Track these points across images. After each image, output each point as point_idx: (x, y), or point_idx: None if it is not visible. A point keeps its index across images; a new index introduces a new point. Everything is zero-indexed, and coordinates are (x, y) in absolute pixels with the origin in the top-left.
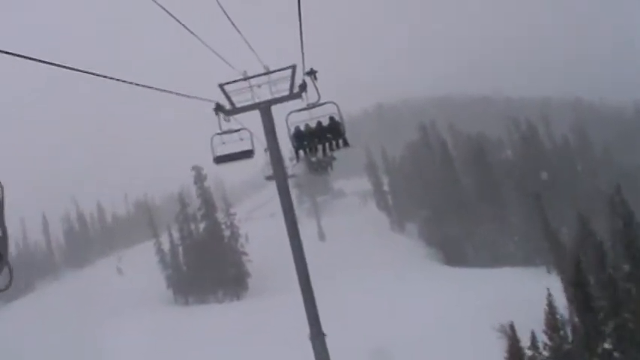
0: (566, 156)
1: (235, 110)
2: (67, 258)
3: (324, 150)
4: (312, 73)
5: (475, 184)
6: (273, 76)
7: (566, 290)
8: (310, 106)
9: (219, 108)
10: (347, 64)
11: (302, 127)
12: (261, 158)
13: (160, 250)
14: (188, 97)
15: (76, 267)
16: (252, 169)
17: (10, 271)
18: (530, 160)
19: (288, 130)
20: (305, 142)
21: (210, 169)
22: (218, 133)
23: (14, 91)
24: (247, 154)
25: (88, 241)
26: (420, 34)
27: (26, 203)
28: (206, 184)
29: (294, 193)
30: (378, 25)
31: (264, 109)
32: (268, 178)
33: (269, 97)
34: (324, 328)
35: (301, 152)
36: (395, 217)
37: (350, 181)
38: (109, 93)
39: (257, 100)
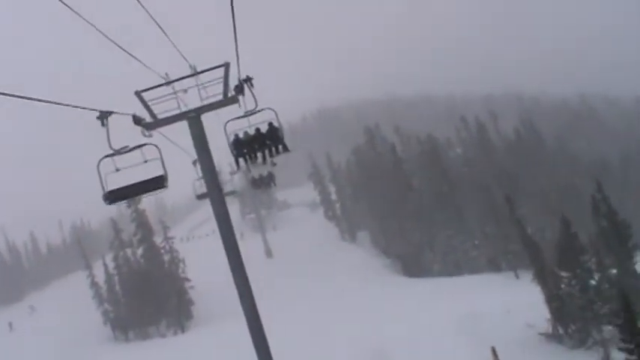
0: (519, 151)
1: (157, 122)
2: None
3: (263, 157)
4: (248, 80)
5: (429, 188)
6: (203, 78)
7: (548, 302)
8: (248, 114)
9: (137, 121)
10: (282, 68)
11: (241, 135)
12: (190, 174)
13: (93, 284)
14: (96, 110)
15: (7, 303)
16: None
17: None
18: (484, 159)
19: (227, 138)
20: (245, 150)
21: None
22: (108, 155)
23: None
24: (157, 182)
25: (21, 274)
26: (354, 35)
27: None
28: (141, 206)
29: (236, 207)
30: (314, 27)
31: (193, 119)
32: (200, 197)
33: (198, 103)
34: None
35: (241, 161)
36: (345, 227)
37: (294, 191)
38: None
39: (184, 109)
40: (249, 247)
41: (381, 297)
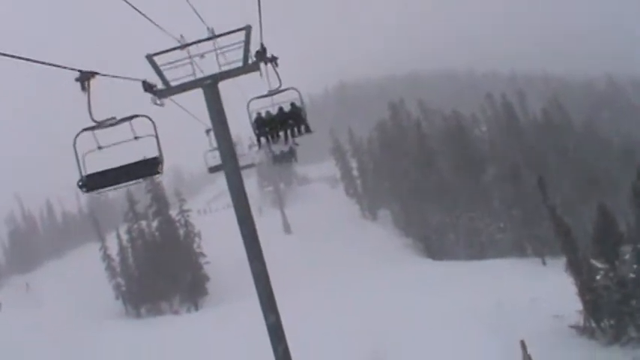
0: (548, 132)
1: (170, 90)
2: (12, 263)
3: (285, 136)
4: (272, 59)
5: (454, 166)
6: (221, 42)
7: (580, 294)
8: (271, 93)
9: (147, 88)
10: (306, 41)
11: (263, 114)
12: (202, 144)
13: (106, 256)
14: (75, 70)
15: (24, 272)
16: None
17: None
18: (510, 138)
19: (250, 117)
20: (267, 129)
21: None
22: (87, 129)
23: None
24: (149, 166)
25: (36, 243)
26: (380, 10)
27: None
28: (157, 177)
29: (254, 180)
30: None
31: (210, 86)
32: (213, 169)
33: (215, 70)
34: (295, 338)
35: (263, 139)
36: (366, 204)
37: (314, 166)
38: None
39: (200, 75)
40: (267, 222)
41: (400, 279)
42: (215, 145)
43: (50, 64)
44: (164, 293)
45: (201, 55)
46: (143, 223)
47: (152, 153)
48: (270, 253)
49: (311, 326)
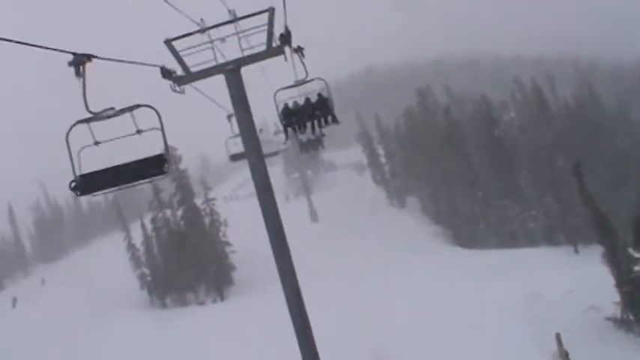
0: (580, 117)
1: (191, 76)
2: (38, 251)
3: (312, 127)
4: (299, 50)
5: (484, 152)
6: (243, 25)
7: (618, 285)
8: (298, 83)
9: (166, 74)
10: (331, 25)
11: (290, 105)
12: (226, 131)
13: (130, 246)
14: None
15: (48, 261)
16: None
17: None
18: (541, 124)
19: (277, 108)
20: (294, 120)
21: (190, 148)
22: (82, 121)
23: None
24: (154, 165)
25: (62, 232)
26: None
27: None
28: (182, 166)
29: (281, 168)
30: None
31: (232, 72)
32: (235, 157)
33: (237, 54)
34: (320, 330)
35: (290, 130)
36: (393, 191)
37: (341, 153)
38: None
39: (221, 61)
40: (294, 210)
41: (429, 269)
42: (237, 131)
43: (42, 47)
44: (189, 283)
45: (223, 39)
46: (168, 212)
47: (158, 149)
48: (296, 242)
49: (334, 318)
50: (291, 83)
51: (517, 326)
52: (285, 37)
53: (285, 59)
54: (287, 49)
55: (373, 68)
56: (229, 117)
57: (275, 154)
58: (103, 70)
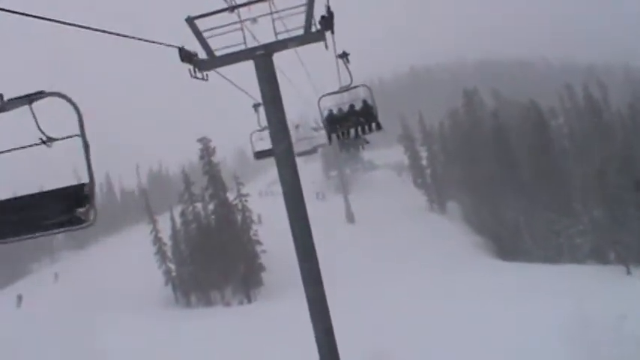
0: (634, 127)
1: (215, 61)
2: (68, 237)
3: (356, 133)
4: (344, 55)
5: (532, 159)
6: (278, 5)
7: None
8: (343, 90)
9: (186, 57)
10: (375, 24)
11: (335, 111)
12: (250, 123)
13: (157, 240)
14: (141, 40)
15: (78, 247)
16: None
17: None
18: (593, 133)
19: (321, 114)
20: (338, 126)
21: (223, 141)
22: None
23: None
24: (66, 208)
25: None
26: None
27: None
28: (215, 158)
29: (319, 165)
30: None
31: (262, 57)
32: (260, 155)
33: (270, 38)
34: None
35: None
36: (434, 196)
37: (381, 152)
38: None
39: (251, 45)
40: (331, 209)
41: (469, 283)
42: (264, 123)
43: (149, 41)
44: (216, 282)
45: (254, 20)
46: (199, 205)
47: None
48: (331, 244)
49: (360, 329)
50: (336, 89)
51: (563, 353)
52: (327, 20)
53: (326, 47)
54: (329, 34)
55: (417, 68)
56: (256, 106)
57: (313, 151)
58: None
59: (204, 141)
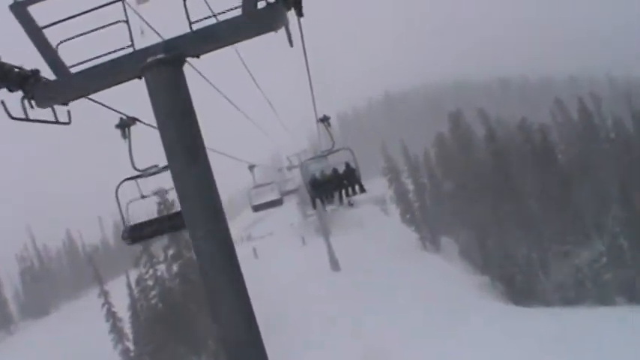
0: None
1: (70, 82)
2: (25, 306)
3: (340, 196)
4: (325, 119)
5: (537, 185)
6: None
7: None
8: (325, 154)
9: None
10: (346, 51)
11: (318, 175)
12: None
13: (110, 314)
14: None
15: (36, 317)
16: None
17: None
18: (595, 149)
19: (304, 179)
20: (322, 190)
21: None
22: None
23: None
24: None
25: (52, 282)
26: (420, 18)
27: None
28: (177, 207)
29: (295, 206)
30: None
31: (164, 69)
32: (257, 208)
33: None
34: None
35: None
36: (426, 233)
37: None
38: None
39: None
40: (312, 255)
41: (480, 339)
42: (260, 181)
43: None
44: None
45: None
46: (162, 267)
47: None
48: (313, 301)
49: None
50: (318, 154)
51: None
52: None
53: (291, 43)
54: (293, 18)
55: (392, 94)
56: (251, 167)
57: (289, 192)
58: None
59: (160, 193)
